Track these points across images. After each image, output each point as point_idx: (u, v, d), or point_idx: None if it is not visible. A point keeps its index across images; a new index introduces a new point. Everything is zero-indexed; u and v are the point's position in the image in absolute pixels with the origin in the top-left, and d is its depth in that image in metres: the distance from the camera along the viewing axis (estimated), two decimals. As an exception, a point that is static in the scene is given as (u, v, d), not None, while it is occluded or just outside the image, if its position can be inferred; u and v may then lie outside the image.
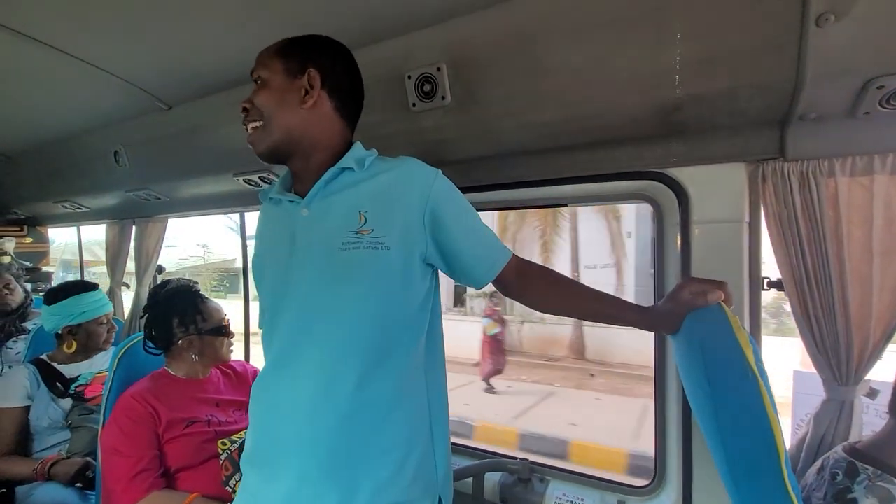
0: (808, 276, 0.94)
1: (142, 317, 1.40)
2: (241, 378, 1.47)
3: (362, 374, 0.78)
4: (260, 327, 0.94)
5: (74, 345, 1.65)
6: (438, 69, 1.11)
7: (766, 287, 1.04)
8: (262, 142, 0.85)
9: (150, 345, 1.35)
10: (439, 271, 0.92)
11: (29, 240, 2.83)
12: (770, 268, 1.05)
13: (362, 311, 0.79)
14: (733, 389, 0.61)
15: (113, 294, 2.49)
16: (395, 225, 0.80)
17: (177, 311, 1.33)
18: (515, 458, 1.30)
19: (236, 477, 1.16)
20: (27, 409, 1.53)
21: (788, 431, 1.05)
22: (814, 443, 0.95)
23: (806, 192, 0.94)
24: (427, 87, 1.14)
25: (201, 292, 1.41)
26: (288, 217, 0.86)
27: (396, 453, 0.80)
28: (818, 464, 0.88)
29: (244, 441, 1.20)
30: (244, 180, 1.69)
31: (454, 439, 1.39)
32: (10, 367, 1.95)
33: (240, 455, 1.17)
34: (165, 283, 1.41)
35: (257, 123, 0.84)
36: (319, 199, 0.84)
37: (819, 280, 0.94)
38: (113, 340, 1.77)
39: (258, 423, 0.88)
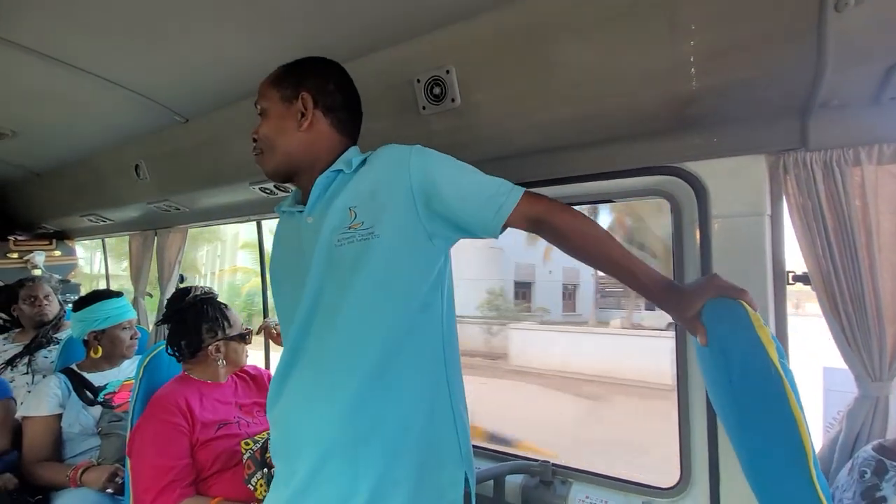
0: (836, 268, 0.91)
1: (160, 323, 1.44)
2: (258, 381, 1.51)
3: (372, 360, 0.82)
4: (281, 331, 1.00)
5: (100, 350, 1.71)
6: (447, 72, 1.11)
7: (791, 281, 1.01)
8: (267, 165, 0.94)
9: (175, 351, 1.37)
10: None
11: (58, 253, 2.93)
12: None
13: (364, 301, 0.82)
14: (756, 388, 0.59)
15: (137, 303, 2.56)
16: (383, 213, 0.83)
17: (206, 318, 1.37)
18: (537, 461, 1.29)
19: (258, 475, 1.18)
20: (59, 416, 1.58)
21: (819, 430, 1.02)
22: (847, 441, 0.91)
23: (830, 182, 0.91)
24: (436, 90, 1.14)
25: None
26: (297, 227, 0.92)
27: (413, 433, 0.83)
28: (849, 464, 0.85)
29: (266, 440, 1.22)
30: (260, 189, 1.72)
31: (474, 442, 1.38)
32: (43, 375, 2.02)
33: (262, 454, 1.19)
34: (186, 291, 1.45)
35: (262, 152, 0.93)
36: (320, 206, 0.89)
37: (847, 272, 0.90)
38: (136, 348, 1.82)
39: (277, 418, 0.92)
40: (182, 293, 1.44)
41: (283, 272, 0.97)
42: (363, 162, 0.90)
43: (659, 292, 0.78)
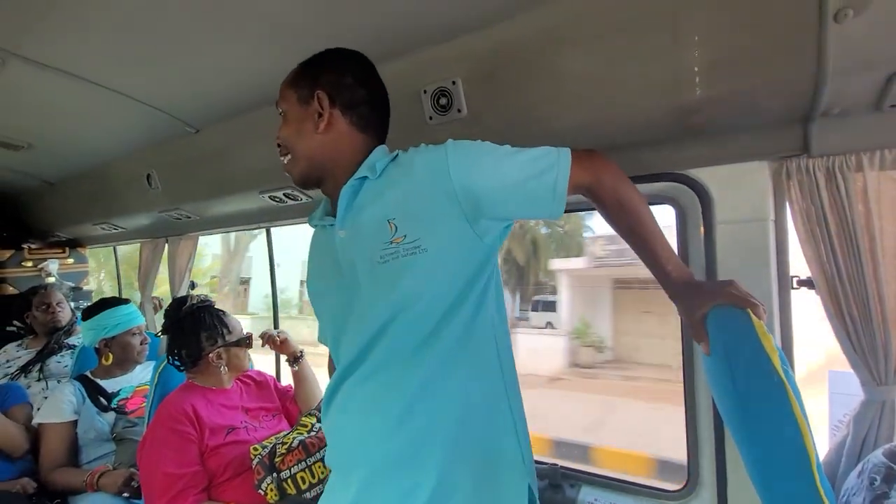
0: (840, 273, 0.92)
1: (161, 333, 1.43)
2: (263, 386, 1.52)
3: (425, 373, 0.78)
4: (320, 341, 0.97)
5: (111, 357, 1.75)
6: (454, 83, 1.13)
7: (795, 286, 1.02)
8: (292, 173, 0.89)
9: (176, 360, 1.38)
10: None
11: (70, 261, 2.98)
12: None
13: (416, 315, 0.78)
14: (760, 395, 0.60)
15: (143, 309, 2.59)
16: (427, 224, 0.77)
17: (204, 326, 1.38)
18: (546, 464, 1.30)
19: (267, 480, 1.20)
20: (74, 423, 1.62)
21: (825, 434, 1.02)
22: (855, 445, 0.92)
23: (833, 187, 0.92)
24: (443, 101, 1.16)
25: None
26: (330, 241, 0.87)
27: (469, 444, 0.79)
28: (859, 467, 0.86)
29: (275, 446, 1.24)
30: (270, 197, 1.75)
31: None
32: (58, 381, 2.06)
33: (271, 459, 1.21)
34: (183, 300, 1.45)
35: (288, 157, 0.88)
36: (351, 217, 0.84)
37: (852, 277, 0.91)
38: (147, 353, 1.86)
39: (330, 428, 0.89)
40: (179, 303, 1.44)
41: (323, 287, 0.92)
42: (390, 163, 0.84)
43: (675, 283, 0.78)
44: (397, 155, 0.85)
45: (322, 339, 0.97)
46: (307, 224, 1.00)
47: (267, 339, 1.59)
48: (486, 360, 0.83)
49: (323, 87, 0.84)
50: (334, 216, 0.88)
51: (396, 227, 0.77)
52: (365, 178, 0.84)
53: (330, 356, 0.99)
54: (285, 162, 0.89)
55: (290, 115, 0.87)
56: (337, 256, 0.84)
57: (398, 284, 0.77)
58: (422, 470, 0.77)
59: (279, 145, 0.90)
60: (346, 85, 0.85)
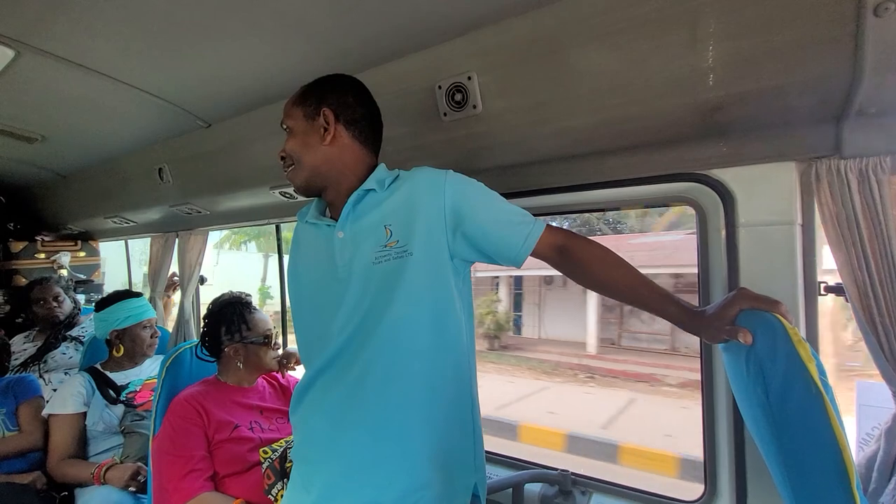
0: (873, 280, 0.88)
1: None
2: (284, 388, 1.51)
3: (406, 376, 0.83)
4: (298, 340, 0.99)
5: (122, 349, 1.75)
6: (469, 78, 1.10)
7: (822, 292, 0.98)
8: (295, 180, 0.97)
9: (205, 352, 1.42)
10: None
11: (82, 254, 3.00)
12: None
13: (400, 318, 0.83)
14: (796, 407, 0.57)
15: (154, 303, 2.60)
16: (417, 231, 0.85)
17: (224, 321, 1.39)
18: (556, 470, 1.27)
19: (278, 486, 1.18)
20: (84, 415, 1.62)
21: (854, 448, 0.98)
22: (887, 460, 0.88)
23: (866, 191, 0.88)
24: (458, 97, 1.13)
25: (251, 304, 1.46)
26: (325, 240, 0.94)
27: (438, 447, 0.84)
28: (892, 483, 0.82)
29: (285, 450, 1.22)
30: (280, 193, 1.74)
31: (493, 449, 1.37)
32: (65, 372, 2.06)
33: (281, 464, 1.20)
34: (222, 295, 1.48)
35: (292, 167, 0.96)
36: (351, 221, 0.91)
37: (885, 285, 0.87)
38: (157, 346, 1.86)
39: (299, 423, 0.94)
40: (219, 296, 1.48)
41: (309, 283, 0.97)
42: (394, 180, 0.93)
43: (686, 317, 0.77)
44: (399, 174, 0.94)
45: (299, 333, 1.00)
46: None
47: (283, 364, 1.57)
48: (459, 370, 0.88)
49: (328, 105, 0.93)
50: (331, 218, 0.97)
51: (391, 233, 0.86)
52: (372, 189, 0.92)
53: None
54: (291, 170, 0.96)
55: (297, 129, 0.95)
56: (334, 254, 0.91)
57: (388, 286, 0.84)
58: (395, 473, 0.81)
59: (283, 158, 0.97)
60: (348, 104, 0.95)
